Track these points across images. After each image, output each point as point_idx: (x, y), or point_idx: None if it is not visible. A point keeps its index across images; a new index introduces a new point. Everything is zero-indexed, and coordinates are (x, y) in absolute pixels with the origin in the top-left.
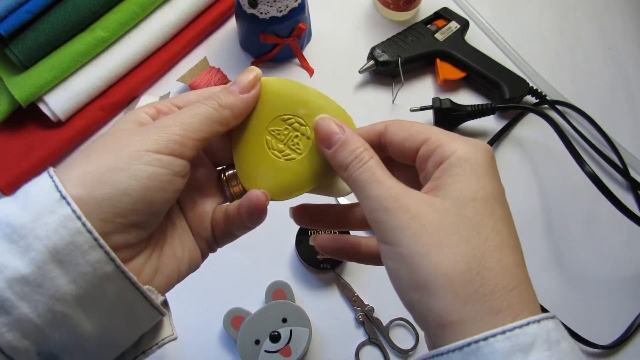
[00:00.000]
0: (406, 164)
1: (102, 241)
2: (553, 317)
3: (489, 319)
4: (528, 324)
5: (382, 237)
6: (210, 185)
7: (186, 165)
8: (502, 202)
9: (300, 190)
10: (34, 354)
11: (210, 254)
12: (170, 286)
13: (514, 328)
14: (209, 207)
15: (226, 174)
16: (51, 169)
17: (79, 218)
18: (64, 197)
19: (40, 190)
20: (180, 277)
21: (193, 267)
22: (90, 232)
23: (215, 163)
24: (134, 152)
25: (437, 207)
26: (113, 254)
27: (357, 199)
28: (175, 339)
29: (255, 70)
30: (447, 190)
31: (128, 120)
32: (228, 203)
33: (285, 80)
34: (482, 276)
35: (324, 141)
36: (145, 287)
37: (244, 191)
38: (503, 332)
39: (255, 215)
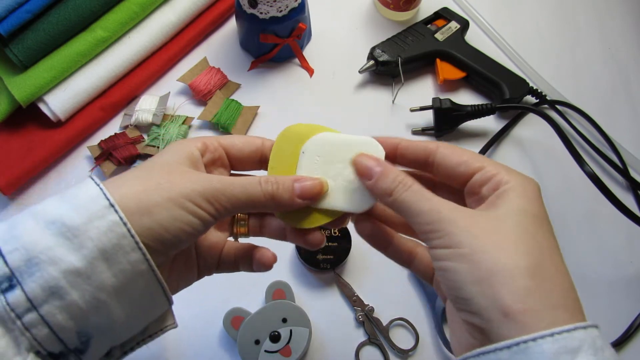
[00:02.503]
0: (444, 187)
1: (141, 245)
2: (597, 327)
3: (551, 313)
4: (575, 329)
5: (439, 243)
6: (224, 221)
7: (212, 222)
8: (549, 223)
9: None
10: (74, 333)
11: None
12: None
13: (562, 332)
14: (221, 240)
15: (238, 215)
16: (93, 176)
17: (125, 224)
18: (112, 205)
19: (89, 195)
20: (177, 291)
21: (187, 285)
22: (133, 236)
23: None
24: (180, 196)
25: (492, 216)
26: (149, 256)
27: (406, 218)
28: (176, 327)
29: (322, 186)
30: (500, 207)
31: (181, 152)
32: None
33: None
34: (542, 273)
35: (364, 175)
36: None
37: (247, 233)
38: (552, 335)
39: (262, 269)
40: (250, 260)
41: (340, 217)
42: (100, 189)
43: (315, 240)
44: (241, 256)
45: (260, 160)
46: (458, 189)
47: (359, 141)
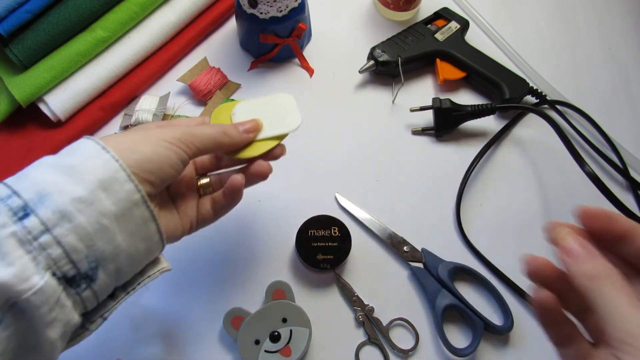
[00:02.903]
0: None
1: (133, 177)
2: None
3: None
4: None
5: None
6: (192, 185)
7: (187, 158)
8: None
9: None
10: (83, 257)
11: (210, 254)
12: None
13: None
14: (194, 199)
15: (201, 180)
16: (85, 136)
17: (117, 161)
18: (104, 148)
19: (83, 146)
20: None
21: (172, 239)
22: (125, 170)
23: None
24: (156, 139)
25: None
26: (140, 187)
27: (597, 311)
28: (170, 269)
29: (258, 123)
30: None
31: (151, 123)
32: (211, 195)
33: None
34: None
35: (568, 253)
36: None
37: (212, 192)
38: None
39: (235, 194)
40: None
41: (277, 146)
42: (93, 140)
43: (261, 167)
44: (216, 200)
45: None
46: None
47: (273, 97)
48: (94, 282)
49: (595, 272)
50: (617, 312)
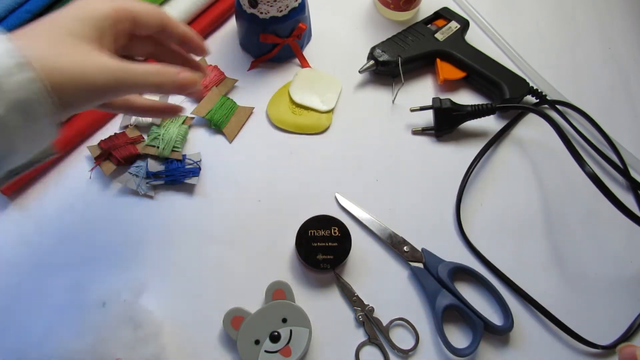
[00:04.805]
0: None
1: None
2: None
3: None
4: None
5: None
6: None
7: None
8: None
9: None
10: None
11: (210, 254)
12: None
13: None
14: None
15: None
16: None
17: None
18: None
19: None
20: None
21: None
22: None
23: None
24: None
25: None
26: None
27: None
28: (58, 155)
29: (197, 80)
30: None
31: (91, 23)
32: None
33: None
34: None
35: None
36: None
37: None
38: None
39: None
40: None
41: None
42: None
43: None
44: None
45: (161, 29)
46: None
47: (331, 77)
48: None
49: None
50: None
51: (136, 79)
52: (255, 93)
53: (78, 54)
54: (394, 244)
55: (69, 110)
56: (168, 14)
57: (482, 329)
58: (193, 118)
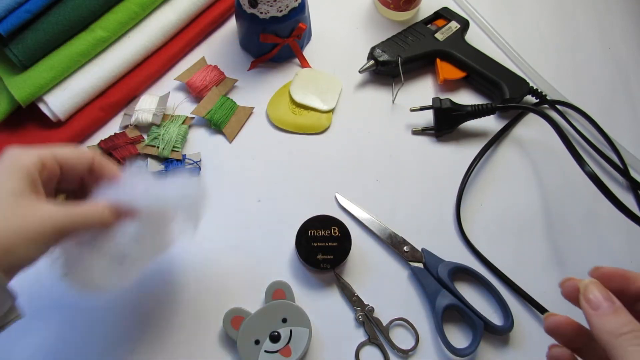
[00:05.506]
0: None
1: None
2: None
3: None
4: None
5: None
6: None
7: None
8: None
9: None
10: None
11: (210, 254)
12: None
13: None
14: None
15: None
16: None
17: None
18: None
19: None
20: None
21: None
22: None
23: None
24: (35, 234)
25: None
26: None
27: None
28: (21, 317)
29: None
30: None
31: (20, 175)
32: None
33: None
34: None
35: (593, 306)
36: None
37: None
38: None
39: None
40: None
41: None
42: None
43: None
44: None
45: (90, 172)
46: None
47: (331, 77)
48: None
49: (620, 328)
50: None
51: (79, 221)
52: (255, 93)
53: (21, 211)
54: (394, 244)
55: (17, 270)
56: (96, 154)
57: (482, 329)
58: (193, 118)
